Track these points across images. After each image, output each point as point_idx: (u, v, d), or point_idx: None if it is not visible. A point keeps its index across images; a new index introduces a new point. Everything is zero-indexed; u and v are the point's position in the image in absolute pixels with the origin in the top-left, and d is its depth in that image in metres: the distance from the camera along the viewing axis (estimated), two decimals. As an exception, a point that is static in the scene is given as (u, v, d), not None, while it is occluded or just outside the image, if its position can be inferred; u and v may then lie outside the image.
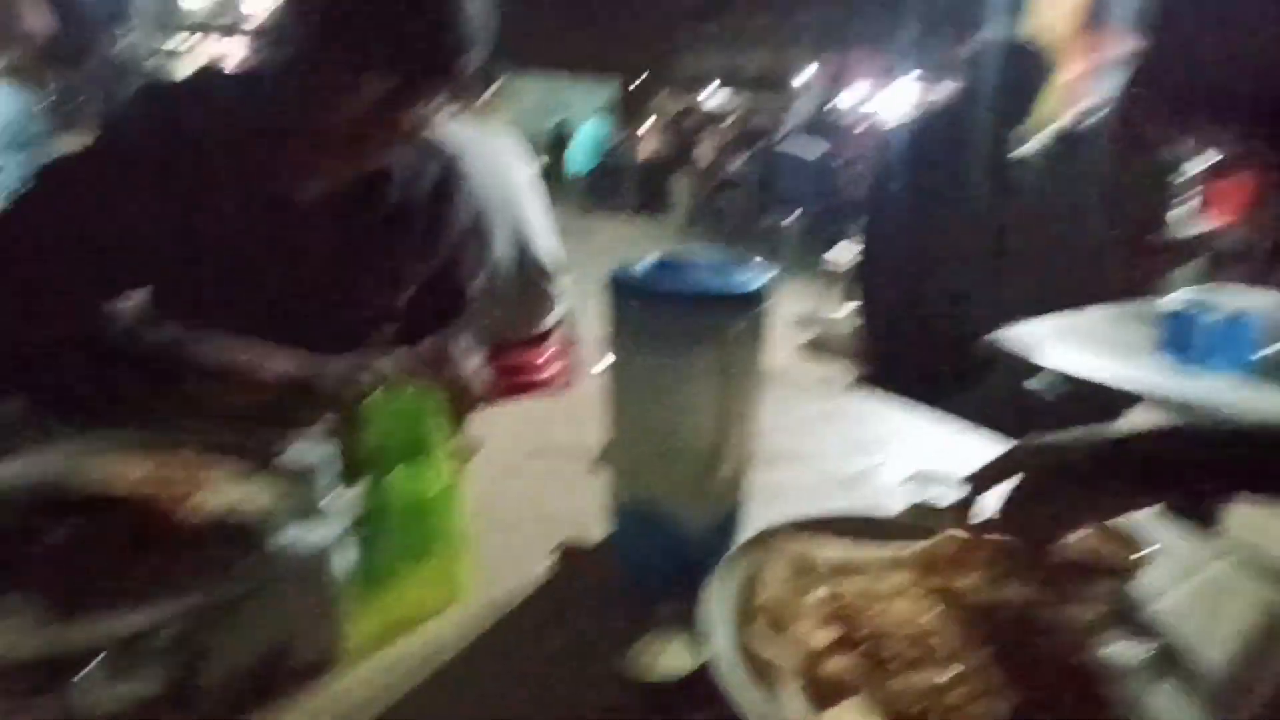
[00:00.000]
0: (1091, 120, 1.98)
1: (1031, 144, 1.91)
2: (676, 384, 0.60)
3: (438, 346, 0.94)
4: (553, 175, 11.54)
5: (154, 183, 0.80)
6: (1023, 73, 1.75)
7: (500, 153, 1.97)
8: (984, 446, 1.00)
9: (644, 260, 0.66)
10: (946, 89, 1.88)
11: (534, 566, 0.69)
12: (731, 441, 0.60)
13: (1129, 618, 0.60)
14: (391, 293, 0.99)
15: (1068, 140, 1.94)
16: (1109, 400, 1.40)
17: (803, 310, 4.91)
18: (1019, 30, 2.63)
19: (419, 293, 1.02)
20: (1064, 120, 2.02)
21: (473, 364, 0.93)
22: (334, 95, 0.76)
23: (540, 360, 1.80)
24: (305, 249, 0.89)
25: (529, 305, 1.85)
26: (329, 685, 0.54)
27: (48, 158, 0.91)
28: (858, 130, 7.40)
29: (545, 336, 1.81)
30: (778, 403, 1.14)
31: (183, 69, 0.77)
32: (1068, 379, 1.46)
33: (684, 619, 0.59)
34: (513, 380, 1.73)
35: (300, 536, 0.54)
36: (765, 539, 0.66)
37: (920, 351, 1.85)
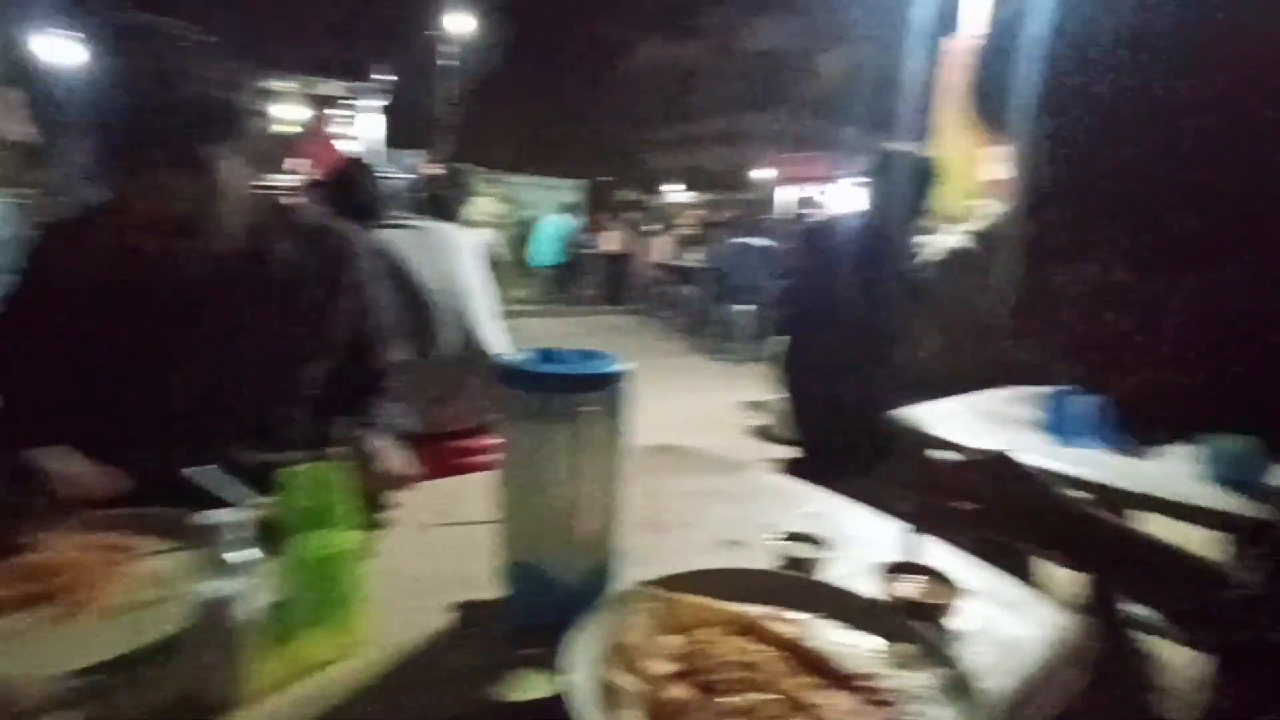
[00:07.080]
0: (984, 227, 2.21)
1: (933, 247, 2.13)
2: (542, 455, 0.71)
3: (353, 431, 1.04)
4: (519, 269, 11.87)
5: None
6: (912, 178, 1.97)
7: (450, 247, 2.12)
8: (879, 523, 1.11)
9: (528, 351, 0.79)
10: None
11: (434, 621, 0.77)
12: (589, 506, 0.71)
13: (933, 651, 0.70)
14: (291, 367, 1.09)
15: (965, 246, 2.16)
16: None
17: (753, 396, 5.08)
18: (918, 143, 2.92)
19: (335, 372, 1.13)
20: (965, 226, 2.25)
21: (387, 448, 1.02)
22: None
23: (487, 444, 1.90)
24: (198, 333, 1.02)
25: (476, 393, 1.96)
26: (234, 720, 0.62)
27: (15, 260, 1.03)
28: (798, 228, 7.81)
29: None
30: (681, 476, 1.25)
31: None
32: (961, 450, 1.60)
33: (554, 658, 0.68)
34: (460, 462, 1.82)
35: (209, 589, 0.63)
36: (633, 593, 0.76)
37: (837, 439, 1.98)
